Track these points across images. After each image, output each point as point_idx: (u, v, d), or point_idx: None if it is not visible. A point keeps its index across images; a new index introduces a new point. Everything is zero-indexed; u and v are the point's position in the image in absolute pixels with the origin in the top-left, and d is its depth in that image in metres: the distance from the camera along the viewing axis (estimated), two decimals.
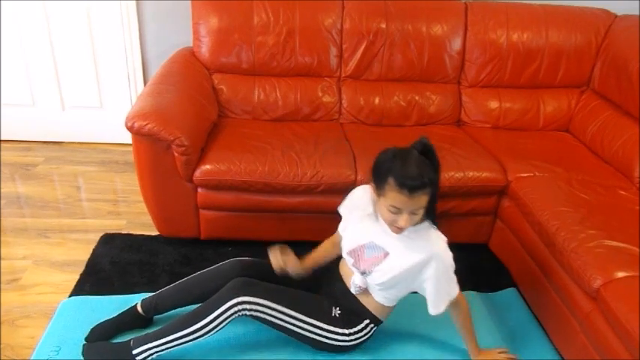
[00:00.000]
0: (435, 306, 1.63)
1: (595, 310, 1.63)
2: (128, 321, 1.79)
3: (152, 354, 1.60)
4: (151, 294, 1.82)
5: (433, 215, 1.58)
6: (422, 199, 1.45)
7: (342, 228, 1.80)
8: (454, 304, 1.65)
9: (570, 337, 1.77)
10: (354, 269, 1.68)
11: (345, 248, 1.71)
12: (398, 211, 1.47)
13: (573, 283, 1.75)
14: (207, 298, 1.65)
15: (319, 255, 1.86)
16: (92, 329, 1.75)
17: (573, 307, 1.75)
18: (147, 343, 1.60)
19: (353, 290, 1.69)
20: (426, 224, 1.59)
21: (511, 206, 2.23)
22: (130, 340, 1.63)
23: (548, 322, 1.93)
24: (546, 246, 1.93)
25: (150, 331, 1.64)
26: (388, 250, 1.60)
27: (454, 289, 1.62)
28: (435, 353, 1.83)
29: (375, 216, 1.64)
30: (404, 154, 1.47)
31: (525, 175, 2.24)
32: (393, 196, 1.45)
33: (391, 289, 1.65)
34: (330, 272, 1.82)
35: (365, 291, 1.69)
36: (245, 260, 1.79)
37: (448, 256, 1.57)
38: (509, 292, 2.17)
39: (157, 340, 1.59)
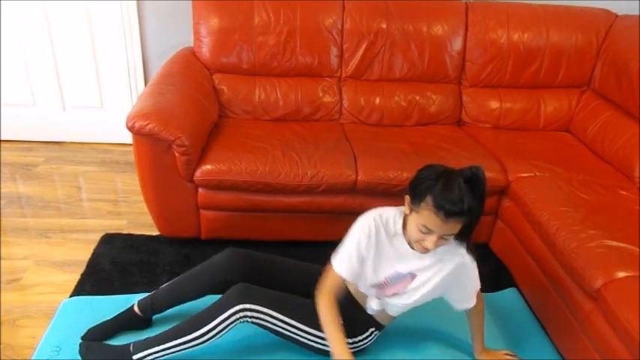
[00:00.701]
0: (465, 303, 1.67)
1: (595, 310, 1.63)
2: (126, 322, 1.78)
3: (152, 359, 1.60)
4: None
5: (466, 241, 1.53)
6: (455, 226, 1.40)
7: (351, 275, 1.57)
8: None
9: (571, 337, 1.77)
10: (372, 296, 1.66)
11: (365, 284, 1.62)
12: (428, 231, 1.42)
13: (574, 283, 1.75)
14: (203, 291, 1.67)
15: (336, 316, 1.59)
16: (89, 330, 1.74)
17: (574, 307, 1.75)
18: (147, 349, 1.59)
19: (369, 311, 1.68)
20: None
21: (511, 206, 2.23)
22: (129, 344, 1.62)
23: (549, 322, 1.94)
24: (547, 246, 1.93)
25: (150, 335, 1.63)
26: (415, 273, 1.58)
27: (478, 283, 1.66)
28: (438, 353, 1.83)
29: (391, 242, 1.56)
30: (449, 176, 1.39)
31: (526, 175, 2.25)
32: (427, 215, 1.39)
33: (414, 306, 1.65)
34: None
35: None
36: (238, 250, 1.78)
37: (468, 258, 1.57)
38: (510, 292, 2.17)
39: (157, 345, 1.58)
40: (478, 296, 1.69)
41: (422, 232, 1.43)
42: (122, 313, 1.80)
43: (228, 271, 1.71)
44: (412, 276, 1.58)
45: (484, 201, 1.42)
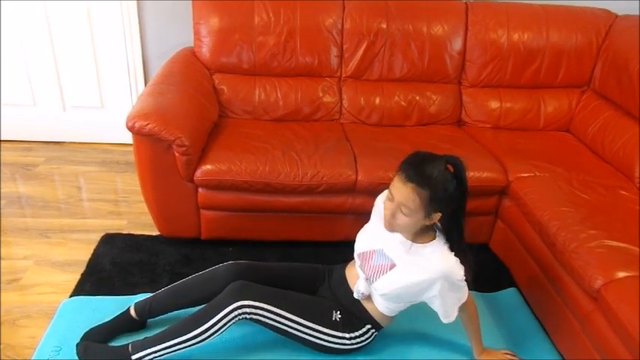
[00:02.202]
0: (446, 316, 1.65)
1: (596, 310, 1.63)
2: (121, 324, 1.77)
3: (151, 359, 1.59)
4: (149, 295, 1.82)
5: (454, 235, 1.57)
6: (412, 196, 1.43)
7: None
8: (461, 306, 1.66)
9: (571, 337, 1.78)
10: (360, 273, 1.68)
11: (357, 249, 1.71)
12: (391, 198, 1.49)
13: (574, 283, 1.75)
14: (203, 301, 1.64)
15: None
16: (86, 333, 1.72)
17: (574, 307, 1.75)
18: (146, 349, 1.58)
19: (356, 295, 1.68)
20: (437, 243, 1.58)
21: (512, 206, 2.23)
22: (127, 344, 1.61)
23: (549, 322, 1.94)
24: (547, 246, 1.93)
25: (147, 335, 1.63)
26: (395, 262, 1.60)
27: (462, 296, 1.63)
28: (438, 353, 1.83)
29: None
30: (431, 155, 1.49)
31: (526, 175, 2.25)
32: (395, 179, 1.48)
33: (393, 302, 1.65)
34: (336, 275, 1.81)
35: (368, 297, 1.69)
36: (241, 263, 1.78)
37: (456, 273, 1.55)
38: (510, 292, 2.17)
39: (156, 345, 1.58)
40: (469, 301, 1.68)
41: (388, 200, 1.51)
42: (118, 316, 1.79)
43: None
44: (392, 265, 1.60)
45: (462, 190, 1.47)
